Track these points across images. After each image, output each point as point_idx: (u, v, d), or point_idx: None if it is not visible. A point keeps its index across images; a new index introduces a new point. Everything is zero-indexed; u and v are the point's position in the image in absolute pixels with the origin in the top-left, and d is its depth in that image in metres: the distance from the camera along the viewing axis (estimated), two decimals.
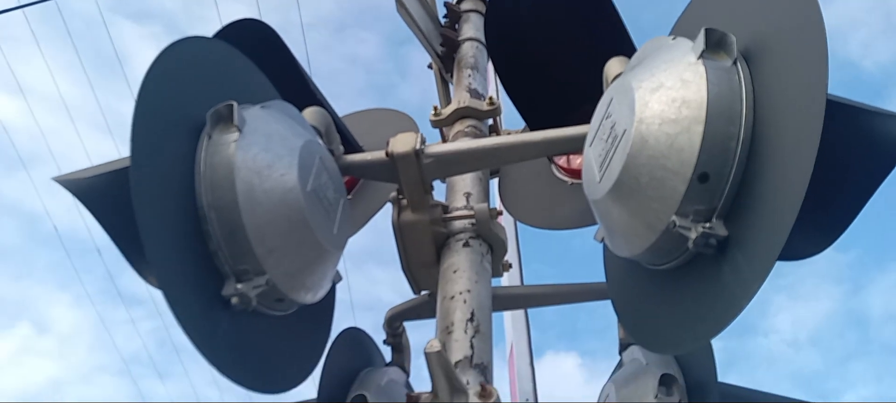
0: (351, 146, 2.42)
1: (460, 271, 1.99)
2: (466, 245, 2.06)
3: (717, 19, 1.60)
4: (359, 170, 2.15)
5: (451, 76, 2.94)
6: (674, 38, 1.67)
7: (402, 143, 2.01)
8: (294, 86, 2.28)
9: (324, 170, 1.82)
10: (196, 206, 1.59)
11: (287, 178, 1.66)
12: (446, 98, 2.96)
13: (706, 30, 1.51)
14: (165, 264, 1.48)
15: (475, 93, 2.70)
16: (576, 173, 2.59)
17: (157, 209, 1.49)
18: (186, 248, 1.54)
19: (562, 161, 2.69)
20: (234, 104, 1.65)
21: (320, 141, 1.96)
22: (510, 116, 2.84)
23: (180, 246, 1.53)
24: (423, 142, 2.02)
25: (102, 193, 1.86)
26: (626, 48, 2.16)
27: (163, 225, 1.50)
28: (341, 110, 2.77)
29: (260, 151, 1.65)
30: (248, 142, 1.64)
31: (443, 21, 3.11)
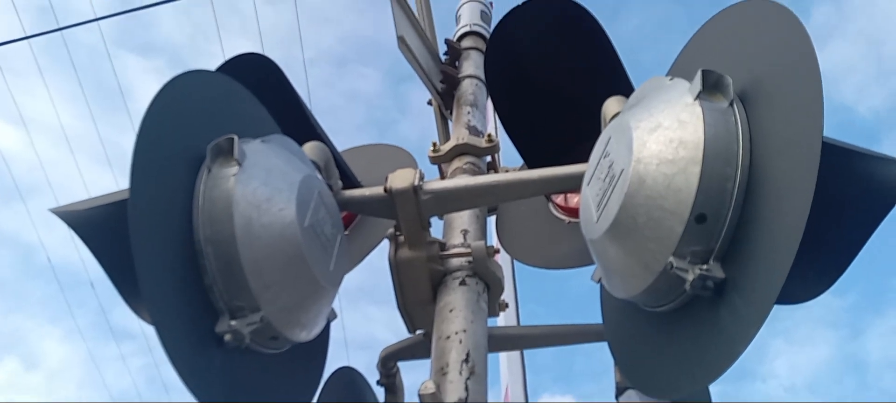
0: (350, 181, 2.42)
1: (456, 310, 1.97)
2: (463, 283, 2.04)
3: (713, 61, 1.62)
4: (357, 205, 2.15)
5: (451, 113, 2.96)
6: (671, 79, 1.68)
7: (400, 179, 2.01)
8: (295, 121, 2.29)
9: (322, 205, 1.82)
10: (193, 240, 1.58)
11: (285, 213, 1.65)
12: (445, 134, 2.97)
13: (703, 71, 1.52)
14: (159, 299, 1.46)
15: (474, 130, 2.72)
16: (573, 212, 2.59)
17: (153, 242, 1.48)
18: (181, 283, 1.53)
19: (559, 199, 2.69)
20: (235, 138, 1.66)
21: (319, 175, 1.96)
22: (508, 154, 2.85)
23: (175, 280, 1.52)
24: (421, 178, 2.02)
25: (99, 225, 1.85)
26: (624, 87, 2.18)
27: (158, 259, 1.49)
28: (341, 145, 2.78)
29: (259, 185, 1.64)
30: (247, 175, 1.64)
31: (443, 58, 3.14)
